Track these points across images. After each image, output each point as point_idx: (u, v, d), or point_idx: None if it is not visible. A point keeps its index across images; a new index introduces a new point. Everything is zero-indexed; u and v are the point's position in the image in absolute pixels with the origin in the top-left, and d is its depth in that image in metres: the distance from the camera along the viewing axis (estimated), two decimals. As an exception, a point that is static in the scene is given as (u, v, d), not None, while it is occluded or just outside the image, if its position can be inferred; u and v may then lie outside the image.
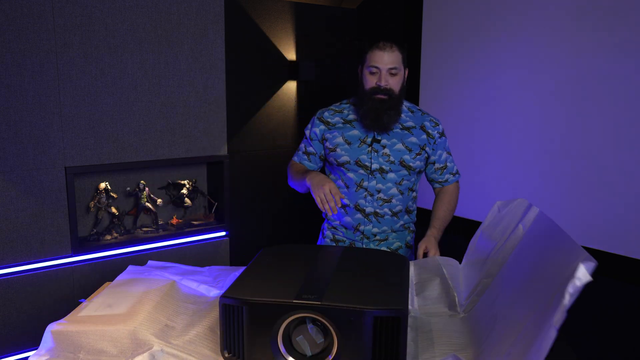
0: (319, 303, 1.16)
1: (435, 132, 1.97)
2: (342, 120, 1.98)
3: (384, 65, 1.84)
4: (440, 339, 1.32)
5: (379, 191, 1.93)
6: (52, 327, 1.37)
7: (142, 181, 2.65)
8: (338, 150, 1.95)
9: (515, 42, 2.66)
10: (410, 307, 1.54)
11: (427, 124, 1.97)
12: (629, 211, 2.30)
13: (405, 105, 2.00)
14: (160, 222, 2.76)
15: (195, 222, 2.82)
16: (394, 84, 1.87)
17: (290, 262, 1.44)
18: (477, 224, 2.90)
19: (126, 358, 1.26)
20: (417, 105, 3.17)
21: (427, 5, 3.11)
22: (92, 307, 1.46)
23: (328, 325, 1.17)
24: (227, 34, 2.89)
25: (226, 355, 1.24)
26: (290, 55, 3.41)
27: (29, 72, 2.22)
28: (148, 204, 2.66)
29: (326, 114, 2.02)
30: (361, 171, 1.93)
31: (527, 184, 2.66)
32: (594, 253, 2.42)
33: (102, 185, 2.51)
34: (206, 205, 2.94)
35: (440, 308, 1.53)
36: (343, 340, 1.16)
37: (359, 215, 1.96)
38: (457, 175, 2.06)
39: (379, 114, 1.86)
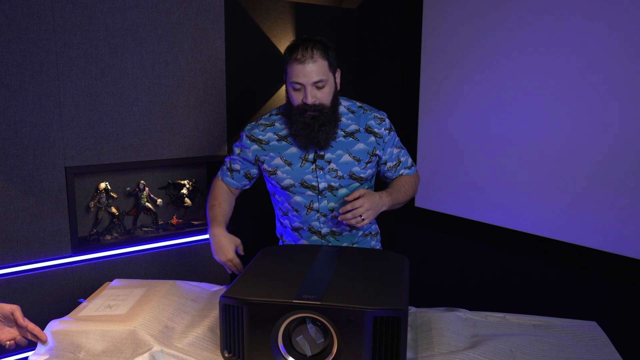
0: (319, 303, 1.16)
1: (383, 129, 1.76)
2: (277, 137, 1.76)
3: (308, 80, 1.61)
4: (440, 338, 1.33)
5: (332, 210, 1.75)
6: (53, 327, 1.37)
7: (142, 181, 2.65)
8: (279, 173, 1.75)
9: (516, 41, 2.66)
10: (410, 306, 1.54)
11: (371, 123, 1.76)
12: (631, 211, 2.30)
13: (343, 105, 1.78)
14: (160, 222, 2.76)
15: (195, 222, 2.82)
16: (323, 96, 1.64)
17: (290, 262, 1.44)
18: (477, 224, 2.92)
19: (126, 358, 1.26)
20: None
21: (427, 5, 3.10)
22: (92, 307, 1.46)
23: (328, 325, 1.17)
24: (227, 34, 2.89)
25: (226, 355, 1.24)
26: (290, 55, 3.41)
27: (29, 72, 2.22)
28: (148, 204, 2.66)
29: (256, 130, 1.79)
30: (309, 192, 1.74)
31: (528, 183, 2.66)
32: (593, 252, 2.42)
33: (102, 185, 2.51)
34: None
35: (441, 308, 1.54)
36: (343, 340, 1.16)
37: (315, 237, 1.80)
38: (412, 167, 1.86)
39: (312, 132, 1.65)
